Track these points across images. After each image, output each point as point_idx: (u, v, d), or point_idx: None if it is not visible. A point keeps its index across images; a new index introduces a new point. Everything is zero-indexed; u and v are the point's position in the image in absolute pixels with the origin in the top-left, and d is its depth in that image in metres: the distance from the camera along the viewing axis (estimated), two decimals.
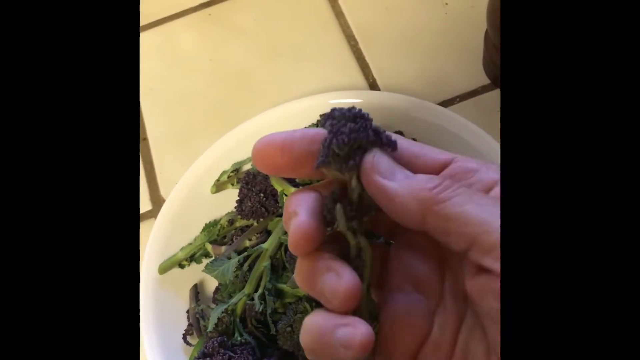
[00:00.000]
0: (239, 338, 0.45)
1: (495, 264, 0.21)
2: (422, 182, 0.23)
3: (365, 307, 0.25)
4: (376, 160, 0.24)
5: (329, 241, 0.25)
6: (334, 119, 0.25)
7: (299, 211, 0.24)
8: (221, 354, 0.42)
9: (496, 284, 0.21)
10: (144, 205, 0.58)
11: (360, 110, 0.25)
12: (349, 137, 0.24)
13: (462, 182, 0.24)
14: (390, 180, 0.23)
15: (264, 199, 0.49)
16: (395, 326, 0.25)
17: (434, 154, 0.25)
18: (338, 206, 0.25)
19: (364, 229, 0.25)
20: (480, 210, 0.21)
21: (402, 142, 0.25)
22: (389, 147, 0.25)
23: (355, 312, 0.24)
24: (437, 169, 0.25)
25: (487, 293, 0.22)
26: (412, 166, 0.25)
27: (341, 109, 0.25)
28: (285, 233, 0.47)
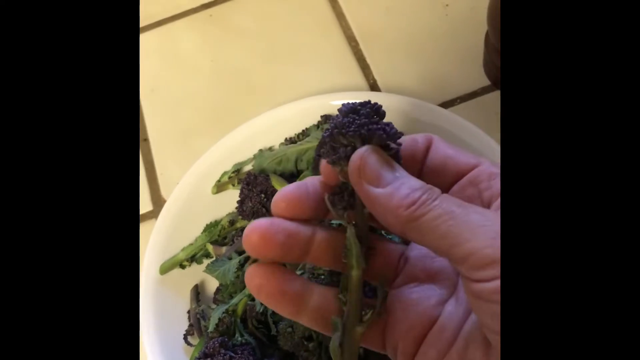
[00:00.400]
0: (239, 338, 0.45)
1: (469, 273, 0.22)
2: (401, 197, 0.24)
3: (357, 294, 0.26)
4: (362, 161, 0.25)
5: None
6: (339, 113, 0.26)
7: (292, 185, 0.26)
8: (222, 354, 0.42)
9: (473, 287, 0.22)
10: (145, 205, 0.58)
11: (359, 104, 0.26)
12: (332, 132, 0.25)
13: (480, 185, 0.25)
14: (374, 185, 0.24)
15: (265, 199, 0.49)
16: (406, 312, 0.26)
17: (465, 157, 0.27)
18: (326, 195, 0.26)
19: (362, 222, 0.26)
20: (452, 223, 0.23)
21: (439, 144, 0.27)
22: (381, 143, 0.25)
23: (348, 298, 0.26)
24: (466, 171, 0.26)
25: (470, 295, 0.23)
26: (444, 167, 0.27)
27: (346, 104, 0.26)
28: None
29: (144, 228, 0.56)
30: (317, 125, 0.53)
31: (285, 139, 0.54)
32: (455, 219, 0.23)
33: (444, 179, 0.26)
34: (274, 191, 0.49)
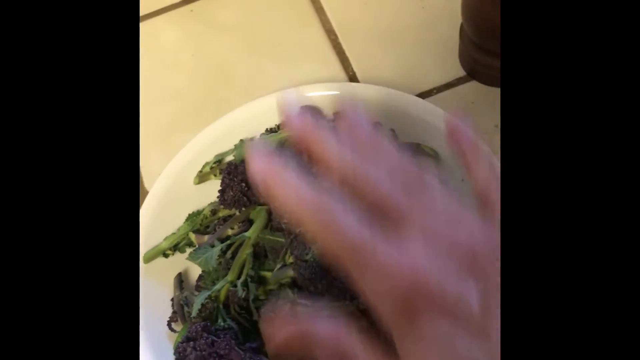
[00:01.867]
0: (222, 323, 0.46)
1: None
2: None
3: None
4: None
5: None
6: None
7: None
8: (204, 338, 0.43)
9: None
10: None
11: None
12: None
13: None
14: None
15: (246, 188, 0.50)
16: None
17: None
18: None
19: None
20: None
21: None
22: None
23: None
24: None
25: None
26: None
27: None
28: (266, 227, 0.49)
29: None
30: None
31: (266, 129, 0.55)
32: None
33: None
34: None
